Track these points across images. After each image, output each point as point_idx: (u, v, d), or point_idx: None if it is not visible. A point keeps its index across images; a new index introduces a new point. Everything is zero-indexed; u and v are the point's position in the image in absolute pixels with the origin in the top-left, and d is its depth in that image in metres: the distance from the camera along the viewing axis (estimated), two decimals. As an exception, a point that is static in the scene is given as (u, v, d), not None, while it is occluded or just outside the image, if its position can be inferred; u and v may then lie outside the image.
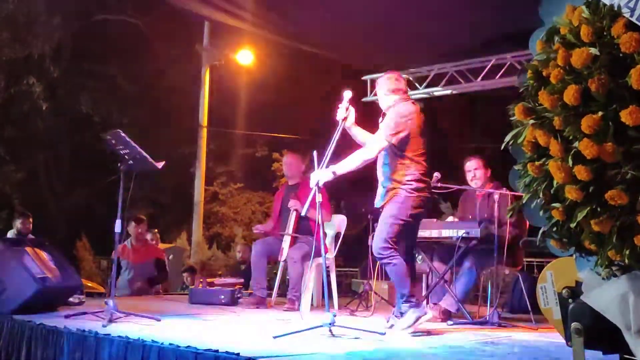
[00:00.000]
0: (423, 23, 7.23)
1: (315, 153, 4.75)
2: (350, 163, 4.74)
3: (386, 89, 5.06)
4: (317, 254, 5.45)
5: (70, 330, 4.06)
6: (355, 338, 4.17)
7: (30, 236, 7.99)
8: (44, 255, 5.37)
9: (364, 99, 9.70)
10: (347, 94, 4.89)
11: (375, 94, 6.49)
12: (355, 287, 9.81)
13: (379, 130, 4.88)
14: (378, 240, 4.71)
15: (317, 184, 4.63)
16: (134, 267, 7.99)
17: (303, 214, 5.23)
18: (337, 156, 4.68)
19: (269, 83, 18.78)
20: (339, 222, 7.01)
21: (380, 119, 4.98)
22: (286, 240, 6.50)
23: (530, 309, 5.82)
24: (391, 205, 4.78)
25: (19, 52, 18.61)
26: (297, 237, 6.49)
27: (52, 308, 5.10)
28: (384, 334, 4.35)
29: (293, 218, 6.56)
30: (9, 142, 19.32)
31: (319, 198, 4.66)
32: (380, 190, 4.92)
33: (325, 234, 6.57)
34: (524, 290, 6.25)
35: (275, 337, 3.95)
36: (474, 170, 6.19)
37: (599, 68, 2.47)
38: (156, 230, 10.19)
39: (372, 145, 4.81)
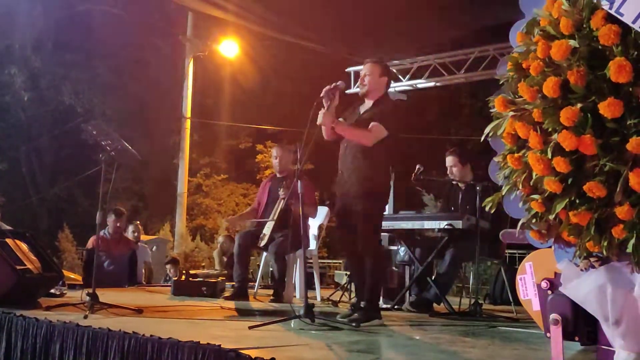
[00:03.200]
0: (407, 15, 7.23)
1: (298, 146, 4.71)
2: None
3: None
4: (299, 246, 5.43)
5: (50, 322, 4.03)
6: (336, 329, 4.18)
7: (6, 226, 7.86)
8: (25, 246, 5.31)
9: (347, 91, 9.67)
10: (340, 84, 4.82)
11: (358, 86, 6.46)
12: (338, 279, 9.83)
13: None
14: None
15: (300, 172, 4.58)
16: (114, 259, 7.95)
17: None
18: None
19: (253, 74, 18.73)
20: (321, 214, 7.00)
21: None
22: (268, 227, 6.42)
23: (511, 300, 5.87)
24: None
25: (0, 42, 18.44)
26: (279, 227, 6.43)
27: (32, 300, 5.05)
28: (359, 325, 4.32)
29: (279, 208, 6.47)
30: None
31: (300, 189, 4.60)
32: None
33: (308, 226, 6.56)
34: (505, 282, 6.29)
35: (250, 328, 3.94)
36: (450, 167, 6.23)
37: (578, 60, 2.48)
38: (138, 222, 10.13)
39: None
